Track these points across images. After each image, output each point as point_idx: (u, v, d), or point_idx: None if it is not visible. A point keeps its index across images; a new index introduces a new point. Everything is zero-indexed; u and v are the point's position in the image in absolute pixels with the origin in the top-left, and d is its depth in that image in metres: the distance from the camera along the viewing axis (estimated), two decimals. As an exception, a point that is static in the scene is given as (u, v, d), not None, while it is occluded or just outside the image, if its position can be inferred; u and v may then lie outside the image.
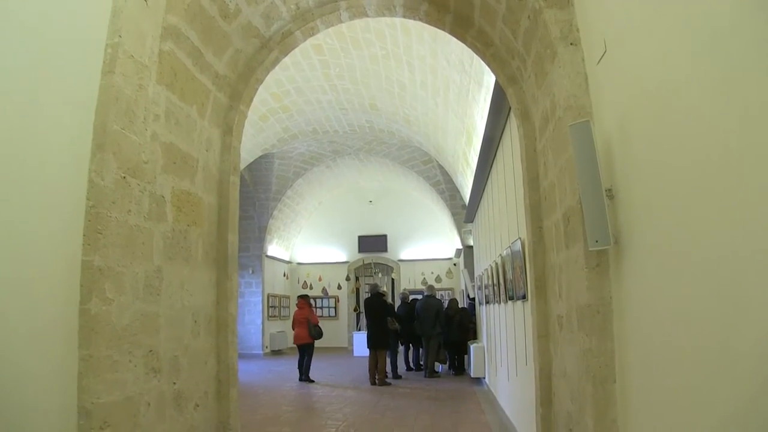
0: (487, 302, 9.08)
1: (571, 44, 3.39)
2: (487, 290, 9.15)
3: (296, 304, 12.75)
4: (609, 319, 3.00)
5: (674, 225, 2.20)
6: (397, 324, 11.75)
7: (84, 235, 3.05)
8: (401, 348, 13.56)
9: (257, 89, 5.26)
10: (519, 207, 5.37)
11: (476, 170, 8.46)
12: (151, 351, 3.52)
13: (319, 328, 11.96)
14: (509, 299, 6.19)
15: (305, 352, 11.96)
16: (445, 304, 13.21)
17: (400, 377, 12.17)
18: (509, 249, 6.00)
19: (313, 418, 7.80)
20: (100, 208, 3.11)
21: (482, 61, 6.45)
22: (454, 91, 8.91)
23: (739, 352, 1.75)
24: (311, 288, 21.64)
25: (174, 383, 3.78)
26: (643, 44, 2.45)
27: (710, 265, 1.91)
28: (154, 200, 3.67)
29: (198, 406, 4.12)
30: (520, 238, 5.23)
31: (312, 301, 13.50)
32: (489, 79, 6.64)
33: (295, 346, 12.33)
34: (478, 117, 8.00)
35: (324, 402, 9.18)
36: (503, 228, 6.76)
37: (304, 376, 11.80)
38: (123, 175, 3.32)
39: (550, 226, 4.04)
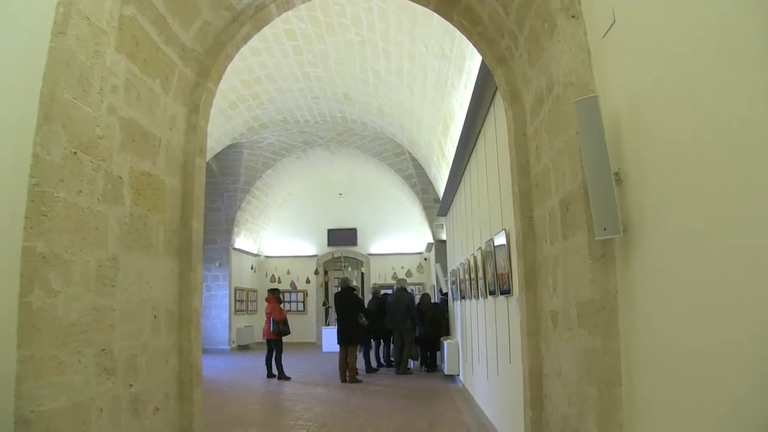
0: (463, 297, 8.83)
1: (573, 17, 3.10)
2: (462, 285, 8.91)
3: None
4: (615, 316, 2.74)
5: (690, 212, 1.97)
6: (364, 319, 11.47)
7: (26, 218, 2.65)
8: (372, 343, 13.31)
9: (227, 66, 4.87)
10: (504, 196, 5.10)
11: (453, 160, 8.19)
12: (104, 350, 3.13)
13: (282, 325, 11.50)
14: (490, 294, 5.94)
15: (272, 348, 11.61)
16: (417, 299, 12.98)
17: (376, 370, 11.94)
18: (490, 242, 5.74)
19: (282, 417, 7.46)
20: (45, 187, 2.71)
21: (465, 45, 6.19)
22: (432, 79, 8.62)
23: (758, 352, 1.55)
24: (279, 282, 21.19)
25: (131, 386, 3.40)
26: (656, 14, 2.19)
27: (729, 257, 1.69)
28: (109, 181, 3.28)
29: (158, 409, 3.74)
30: (505, 230, 4.97)
31: (281, 296, 13.16)
32: (471, 64, 6.36)
33: (264, 341, 12.01)
34: (457, 105, 7.72)
35: (293, 400, 8.83)
36: (483, 220, 6.50)
37: (278, 372, 11.46)
38: (74, 150, 2.93)
39: (542, 214, 3.77)
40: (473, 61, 6.18)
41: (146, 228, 3.68)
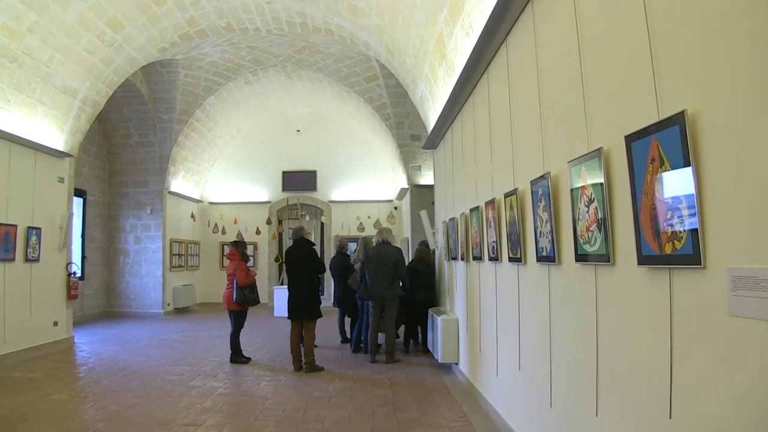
0: (477, 258, 5.98)
1: None
2: (474, 240, 6.07)
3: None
4: None
5: None
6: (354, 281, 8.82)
7: None
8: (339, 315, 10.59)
9: None
10: (666, 47, 2.22)
11: (474, 48, 5.23)
12: None
13: (247, 291, 8.37)
14: (580, 259, 3.10)
15: (232, 322, 8.53)
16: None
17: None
18: (599, 155, 2.91)
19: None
20: None
21: None
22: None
23: None
24: (224, 233, 18.09)
25: None
26: None
27: None
28: None
29: None
30: (685, 111, 2.08)
31: (249, 251, 10.13)
32: None
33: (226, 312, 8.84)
34: (489, -52, 4.72)
35: (219, 412, 5.82)
36: (549, 133, 3.63)
37: (231, 352, 8.52)
38: None
39: None
40: None
41: None
